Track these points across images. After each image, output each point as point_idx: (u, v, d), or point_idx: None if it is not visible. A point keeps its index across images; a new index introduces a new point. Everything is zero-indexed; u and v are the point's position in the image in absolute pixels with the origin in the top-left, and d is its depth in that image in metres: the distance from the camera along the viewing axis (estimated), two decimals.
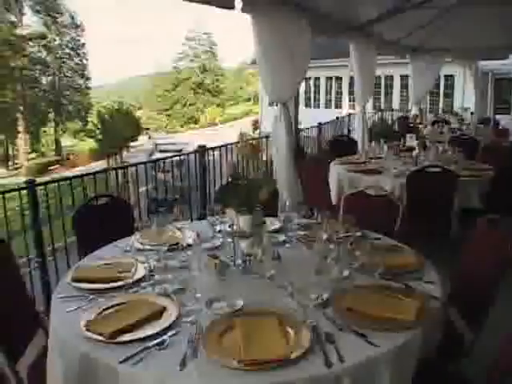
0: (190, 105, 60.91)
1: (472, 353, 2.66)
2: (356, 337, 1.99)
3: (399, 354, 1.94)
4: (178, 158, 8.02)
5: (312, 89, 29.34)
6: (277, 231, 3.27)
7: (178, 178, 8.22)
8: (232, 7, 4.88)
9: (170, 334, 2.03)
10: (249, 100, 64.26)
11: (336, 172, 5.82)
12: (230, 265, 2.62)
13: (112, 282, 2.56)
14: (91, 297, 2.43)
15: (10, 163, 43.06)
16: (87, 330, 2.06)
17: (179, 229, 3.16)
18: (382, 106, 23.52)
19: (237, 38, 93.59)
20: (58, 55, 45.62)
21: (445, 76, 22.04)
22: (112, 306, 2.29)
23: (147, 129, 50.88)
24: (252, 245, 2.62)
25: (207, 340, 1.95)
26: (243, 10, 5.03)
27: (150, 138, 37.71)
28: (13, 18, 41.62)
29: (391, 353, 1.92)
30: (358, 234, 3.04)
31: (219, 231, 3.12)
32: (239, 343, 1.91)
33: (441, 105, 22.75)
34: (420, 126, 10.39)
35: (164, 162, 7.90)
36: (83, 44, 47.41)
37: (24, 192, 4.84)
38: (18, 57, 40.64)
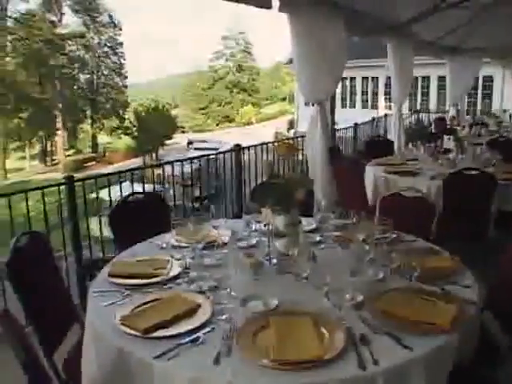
0: (225, 104, 61.13)
1: (508, 359, 2.61)
2: (390, 339, 1.97)
3: (434, 358, 1.91)
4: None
5: (348, 89, 29.20)
6: (312, 231, 3.26)
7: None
8: (269, 7, 4.89)
9: (204, 331, 2.04)
10: (284, 99, 64.23)
11: (372, 173, 5.76)
12: (265, 264, 2.62)
13: (148, 278, 2.59)
14: (127, 292, 2.46)
15: (48, 159, 43.87)
16: (122, 324, 2.09)
17: (215, 227, 3.18)
18: (419, 107, 23.26)
19: (273, 38, 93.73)
20: (96, 54, 46.26)
21: (483, 77, 21.72)
22: (147, 302, 2.31)
23: (182, 127, 51.26)
24: (288, 244, 2.62)
25: (241, 338, 1.95)
26: (280, 9, 5.05)
27: (189, 144, 36.28)
28: (53, 18, 42.40)
29: (426, 357, 1.89)
30: (394, 235, 3.02)
31: (255, 230, 3.13)
32: (273, 343, 1.91)
33: (479, 106, 22.43)
34: (457, 127, 10.24)
35: (200, 161, 7.90)
36: (121, 43, 47.98)
37: (62, 187, 4.94)
38: (57, 55, 41.43)
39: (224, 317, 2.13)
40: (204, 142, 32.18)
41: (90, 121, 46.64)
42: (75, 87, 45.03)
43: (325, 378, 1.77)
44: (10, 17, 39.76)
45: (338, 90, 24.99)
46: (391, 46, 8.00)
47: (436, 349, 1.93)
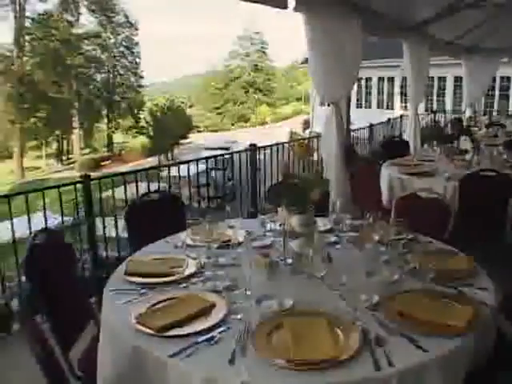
0: (240, 103, 61.08)
1: None
2: (406, 341, 1.96)
3: (449, 360, 1.90)
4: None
5: (364, 89, 29.05)
6: (327, 231, 3.25)
7: None
8: (285, 7, 4.88)
9: (219, 330, 2.04)
10: (300, 99, 64.06)
11: (387, 174, 5.73)
12: (280, 264, 2.62)
13: (163, 276, 2.59)
14: (142, 291, 2.47)
15: (64, 158, 44.15)
16: (138, 323, 2.10)
17: (230, 226, 3.19)
18: (435, 108, 23.10)
19: (288, 37, 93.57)
20: (112, 53, 46.43)
21: (501, 77, 21.52)
22: (162, 301, 2.32)
23: (198, 126, 51.30)
24: (303, 244, 2.62)
25: (256, 338, 1.95)
26: (296, 9, 5.03)
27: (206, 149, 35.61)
28: (70, 18, 42.64)
29: (441, 358, 1.88)
30: (410, 236, 3.00)
31: (270, 230, 3.13)
32: (288, 343, 1.91)
33: (496, 107, 22.23)
34: (474, 128, 10.15)
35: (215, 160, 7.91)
36: (137, 43, 48.05)
37: (79, 186, 4.97)
38: (74, 55, 41.69)
39: (239, 316, 2.13)
40: (222, 148, 31.60)
41: (105, 120, 46.84)
42: (91, 87, 45.20)
43: (340, 379, 1.76)
44: (27, 17, 40.10)
45: (354, 91, 24.88)
46: (407, 46, 7.97)
47: (451, 350, 1.92)
